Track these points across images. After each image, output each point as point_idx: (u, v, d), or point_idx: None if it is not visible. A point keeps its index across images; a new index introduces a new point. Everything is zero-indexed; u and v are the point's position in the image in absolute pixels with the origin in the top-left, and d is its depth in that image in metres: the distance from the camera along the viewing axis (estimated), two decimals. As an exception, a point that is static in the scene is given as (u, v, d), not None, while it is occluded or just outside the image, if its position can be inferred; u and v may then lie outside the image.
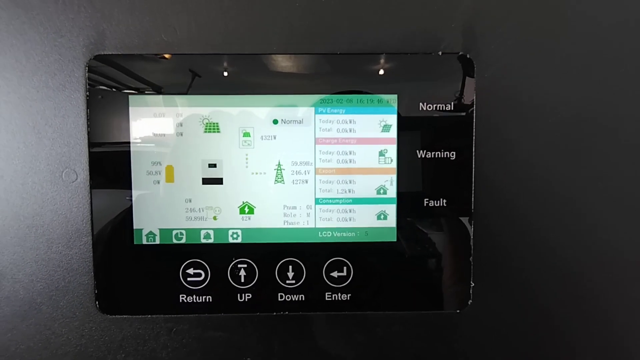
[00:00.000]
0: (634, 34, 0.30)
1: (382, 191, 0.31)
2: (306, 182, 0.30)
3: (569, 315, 0.32)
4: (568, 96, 0.31)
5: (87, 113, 0.30)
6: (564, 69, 0.30)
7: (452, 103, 0.30)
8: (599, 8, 0.30)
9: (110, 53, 0.30)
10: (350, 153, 0.30)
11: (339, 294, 0.31)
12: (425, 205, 0.31)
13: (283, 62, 0.30)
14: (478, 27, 0.30)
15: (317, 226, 0.31)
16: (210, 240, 0.30)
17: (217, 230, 0.30)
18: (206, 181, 0.30)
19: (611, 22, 0.30)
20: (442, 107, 0.30)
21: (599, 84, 0.31)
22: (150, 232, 0.30)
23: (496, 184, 0.31)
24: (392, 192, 0.31)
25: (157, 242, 0.30)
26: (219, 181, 0.30)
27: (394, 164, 0.30)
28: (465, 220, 0.31)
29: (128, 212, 0.30)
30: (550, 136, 0.31)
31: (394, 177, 0.30)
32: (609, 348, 0.32)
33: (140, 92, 0.30)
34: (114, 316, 0.31)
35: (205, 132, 0.30)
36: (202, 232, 0.30)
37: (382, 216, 0.31)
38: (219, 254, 0.30)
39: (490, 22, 0.30)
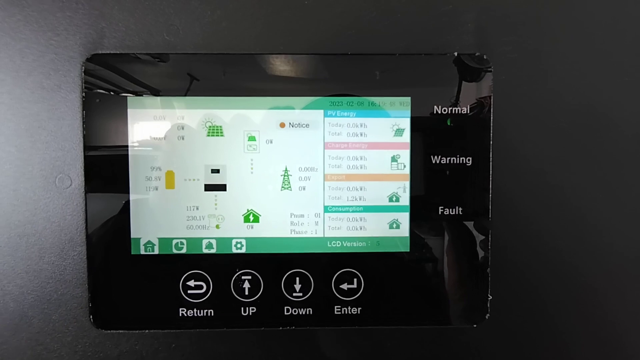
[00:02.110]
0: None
1: (394, 199, 0.29)
2: (314, 188, 0.29)
3: (588, 329, 0.30)
4: (590, 99, 0.29)
5: (82, 115, 0.28)
6: (585, 70, 0.29)
7: (468, 106, 0.29)
8: (620, 6, 0.29)
9: (107, 52, 0.28)
10: (360, 158, 0.29)
11: (349, 308, 0.29)
12: (440, 213, 0.29)
13: (290, 63, 0.29)
14: (495, 26, 0.29)
15: (325, 235, 0.29)
16: (213, 250, 0.29)
17: (219, 240, 0.29)
18: (209, 187, 0.29)
19: (633, 23, 0.29)
20: (458, 110, 0.29)
21: (622, 86, 0.29)
22: (149, 242, 0.29)
23: (515, 191, 0.29)
24: (405, 200, 0.29)
25: (156, 252, 0.29)
26: (222, 187, 0.29)
27: (407, 170, 0.29)
28: (482, 229, 0.29)
29: (125, 220, 0.28)
30: (571, 141, 0.29)
31: (407, 183, 0.29)
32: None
33: (140, 93, 0.28)
34: (109, 331, 0.29)
35: (208, 135, 0.28)
36: (204, 242, 0.29)
37: (394, 225, 0.29)
38: (221, 264, 0.29)
39: (508, 22, 0.29)
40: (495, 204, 0.29)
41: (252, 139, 0.29)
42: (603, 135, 0.30)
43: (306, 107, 0.29)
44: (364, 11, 0.29)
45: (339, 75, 0.29)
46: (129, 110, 0.28)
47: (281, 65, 0.29)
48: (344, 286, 0.29)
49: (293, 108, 0.29)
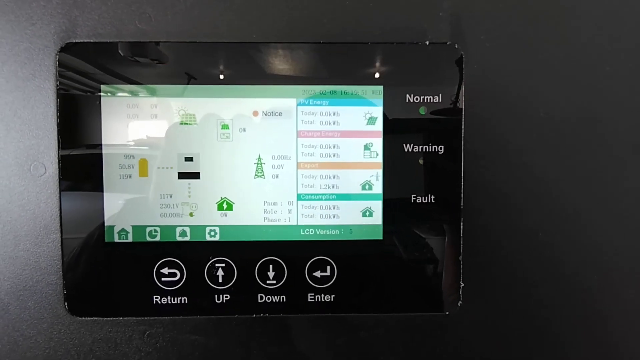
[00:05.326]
0: (628, 28, 0.29)
1: (367, 187, 0.29)
2: (287, 177, 0.29)
3: (563, 317, 0.30)
4: (560, 89, 0.29)
5: (56, 104, 0.28)
6: (557, 60, 0.29)
7: (440, 95, 0.29)
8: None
9: (81, 41, 0.28)
10: (333, 147, 0.29)
11: (322, 295, 0.29)
12: (412, 201, 0.29)
13: (263, 52, 0.29)
14: (467, 16, 0.29)
15: (299, 223, 0.29)
16: (186, 238, 0.29)
17: (193, 228, 0.29)
18: (182, 175, 0.29)
19: (606, 14, 0.29)
20: (430, 99, 0.29)
21: (593, 77, 0.29)
22: (123, 230, 0.29)
23: (487, 179, 0.29)
24: (377, 188, 0.29)
25: (130, 239, 0.29)
26: (195, 175, 0.29)
27: (380, 159, 0.29)
28: (454, 217, 0.29)
29: (99, 208, 0.28)
30: (543, 130, 0.30)
31: (380, 172, 0.29)
32: (603, 350, 0.31)
33: (113, 82, 0.28)
34: (83, 318, 0.29)
35: (182, 124, 0.29)
36: (178, 230, 0.29)
37: (367, 213, 0.29)
38: (195, 252, 0.29)
39: (480, 11, 0.29)
40: (467, 192, 0.29)
41: (225, 127, 0.29)
42: (582, 121, 0.29)
43: (279, 96, 0.29)
44: (338, 0, 0.29)
45: (312, 64, 0.29)
46: (102, 99, 0.28)
47: (254, 54, 0.29)
48: (317, 274, 0.29)
49: (267, 97, 0.29)
